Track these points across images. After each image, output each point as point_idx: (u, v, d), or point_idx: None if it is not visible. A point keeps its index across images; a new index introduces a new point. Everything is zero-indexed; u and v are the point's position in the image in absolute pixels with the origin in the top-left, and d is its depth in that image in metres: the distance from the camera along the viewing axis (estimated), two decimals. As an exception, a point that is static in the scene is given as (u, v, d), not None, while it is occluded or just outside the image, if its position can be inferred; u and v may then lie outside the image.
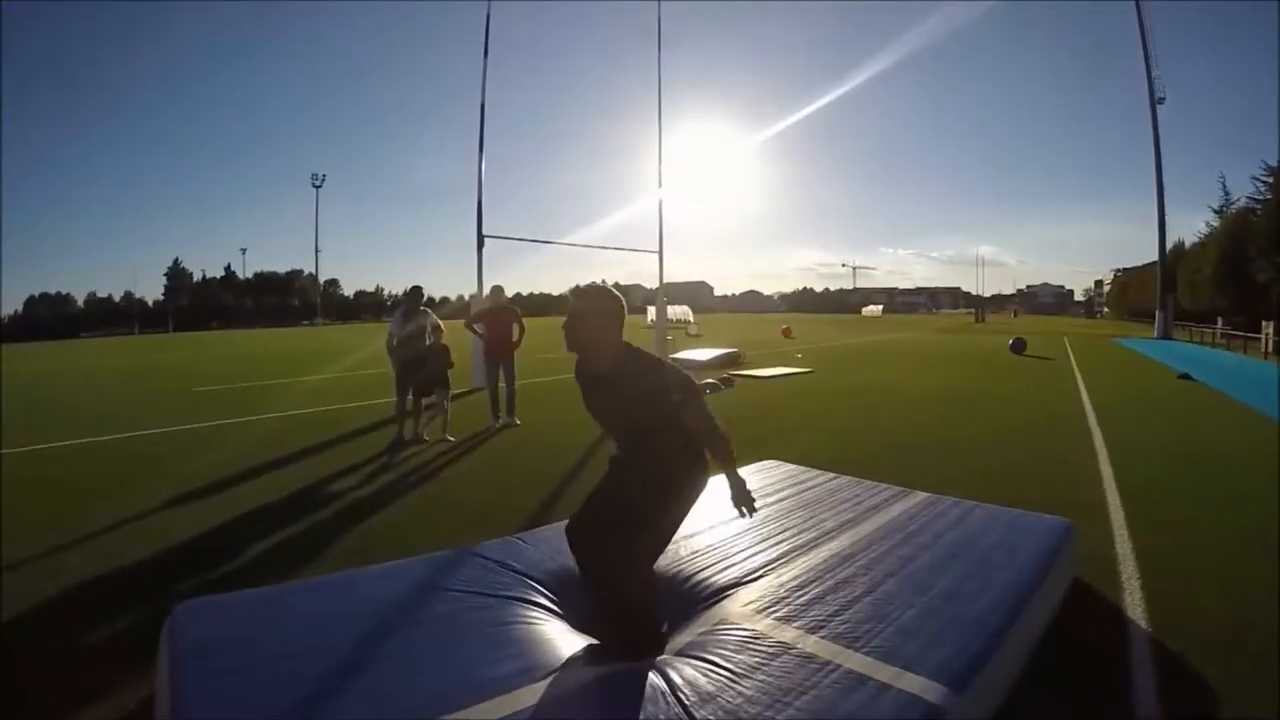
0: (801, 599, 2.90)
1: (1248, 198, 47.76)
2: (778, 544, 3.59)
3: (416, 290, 9.05)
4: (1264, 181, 45.63)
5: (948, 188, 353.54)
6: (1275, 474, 7.08)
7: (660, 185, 20.83)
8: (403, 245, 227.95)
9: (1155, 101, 43.92)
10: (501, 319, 9.82)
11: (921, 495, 4.63)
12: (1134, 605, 3.98)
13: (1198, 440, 9.09)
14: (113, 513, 5.78)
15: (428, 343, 8.69)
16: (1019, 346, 25.01)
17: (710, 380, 13.67)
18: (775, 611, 2.79)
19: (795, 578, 3.13)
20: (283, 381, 17.30)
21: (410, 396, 8.64)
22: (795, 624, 2.68)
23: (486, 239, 16.05)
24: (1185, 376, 16.95)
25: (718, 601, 2.93)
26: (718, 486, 4.76)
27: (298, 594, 3.00)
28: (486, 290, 11.46)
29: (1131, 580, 4.35)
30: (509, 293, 10.10)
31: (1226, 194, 53.13)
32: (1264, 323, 28.40)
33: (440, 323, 8.96)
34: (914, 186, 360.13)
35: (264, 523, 5.55)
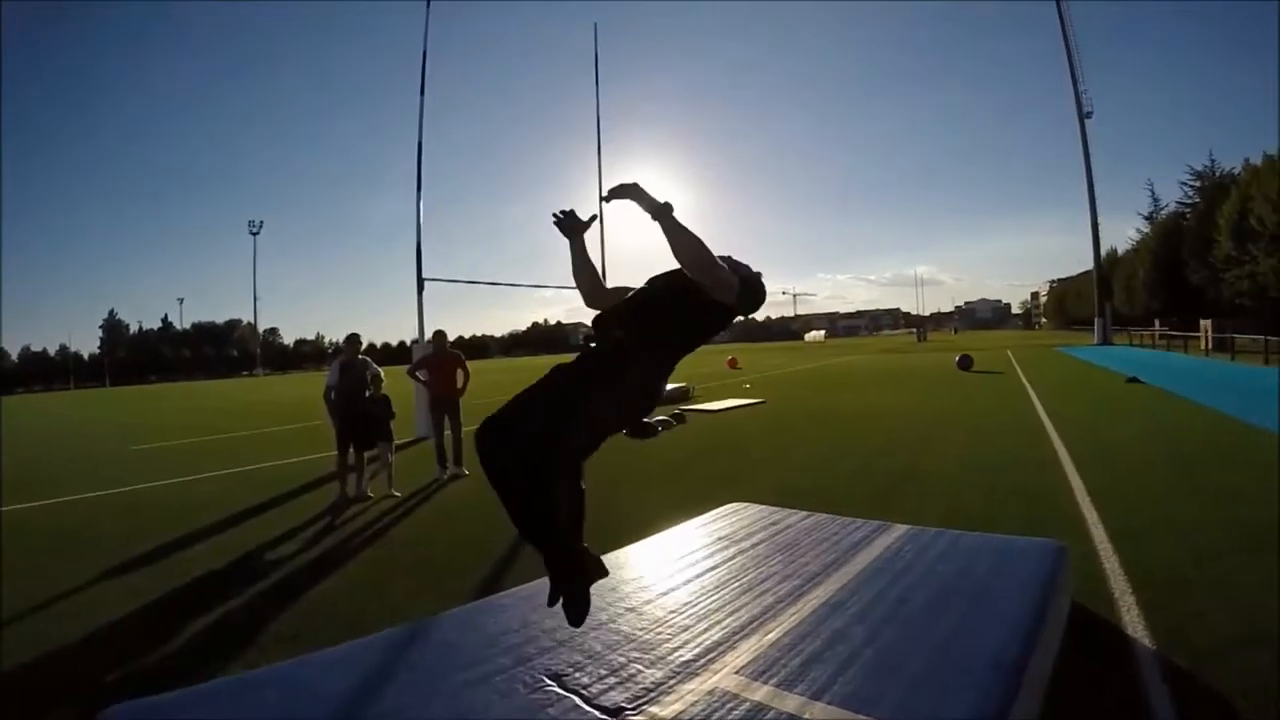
0: (797, 659, 2.69)
1: (1177, 203, 50.22)
2: (760, 595, 3.38)
3: (354, 339, 8.83)
4: (1191, 186, 47.99)
5: (882, 211, 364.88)
6: (1246, 469, 7.20)
7: (600, 219, 20.98)
8: (344, 290, 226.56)
9: (1083, 116, 45.94)
10: (445, 365, 9.74)
11: (902, 528, 4.48)
12: (1134, 623, 3.90)
13: (1160, 442, 9.24)
14: (40, 589, 5.38)
15: (368, 394, 8.45)
16: (966, 363, 25.52)
17: (661, 418, 13.49)
18: (772, 676, 2.57)
19: (786, 633, 2.93)
20: (222, 437, 16.97)
21: (352, 451, 8.34)
22: (797, 689, 2.46)
23: (427, 281, 15.87)
24: (1134, 380, 17.39)
25: (705, 667, 2.70)
26: (687, 536, 4.62)
27: (239, 690, 2.70)
28: (429, 335, 11.25)
29: (1125, 596, 4.28)
30: (450, 336, 9.92)
31: (1155, 200, 55.90)
32: (1202, 321, 29.49)
33: (380, 372, 8.75)
34: (849, 211, 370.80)
35: (201, 597, 5.20)
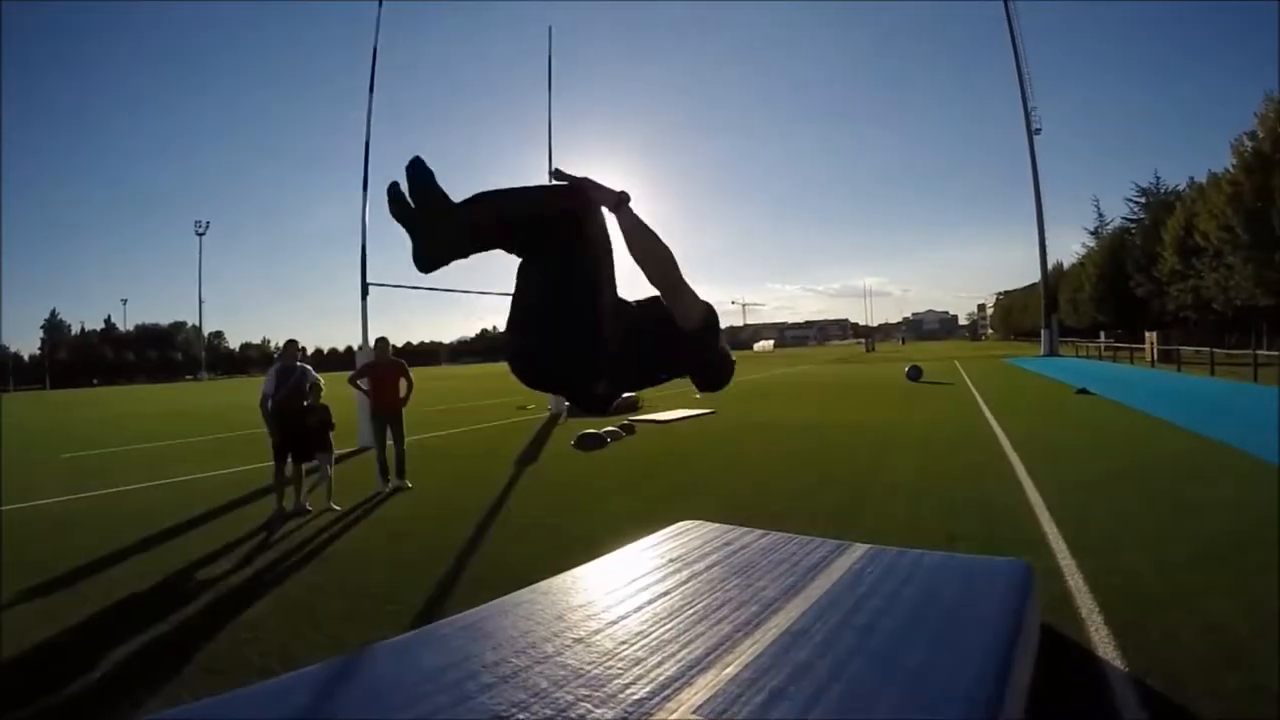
0: (759, 696, 2.52)
1: (1122, 218, 52.06)
2: (716, 624, 3.20)
3: (292, 344, 8.64)
4: (1137, 202, 49.79)
5: (832, 223, 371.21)
6: (1200, 479, 7.32)
7: None
8: (291, 294, 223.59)
9: (1032, 133, 47.27)
10: (387, 374, 9.57)
11: (863, 547, 4.35)
12: (1103, 643, 3.86)
13: (1116, 454, 9.37)
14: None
15: (306, 402, 8.26)
16: (916, 374, 25.83)
17: (610, 428, 13.30)
18: (733, 717, 2.39)
19: (745, 667, 2.75)
20: (159, 445, 16.57)
21: (290, 462, 8.11)
22: (761, 732, 2.30)
23: (371, 287, 15.70)
24: (1083, 391, 17.70)
25: (659, 706, 2.51)
26: (637, 557, 4.44)
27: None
28: (373, 342, 11.02)
29: (1094, 615, 4.24)
30: (399, 342, 9.76)
31: (1101, 216, 58.02)
32: (1147, 333, 30.39)
33: (320, 379, 8.54)
34: (799, 223, 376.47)
35: (123, 622, 4.92)
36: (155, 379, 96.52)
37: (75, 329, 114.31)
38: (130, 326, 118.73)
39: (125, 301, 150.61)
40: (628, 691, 2.62)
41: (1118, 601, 4.38)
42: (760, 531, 4.86)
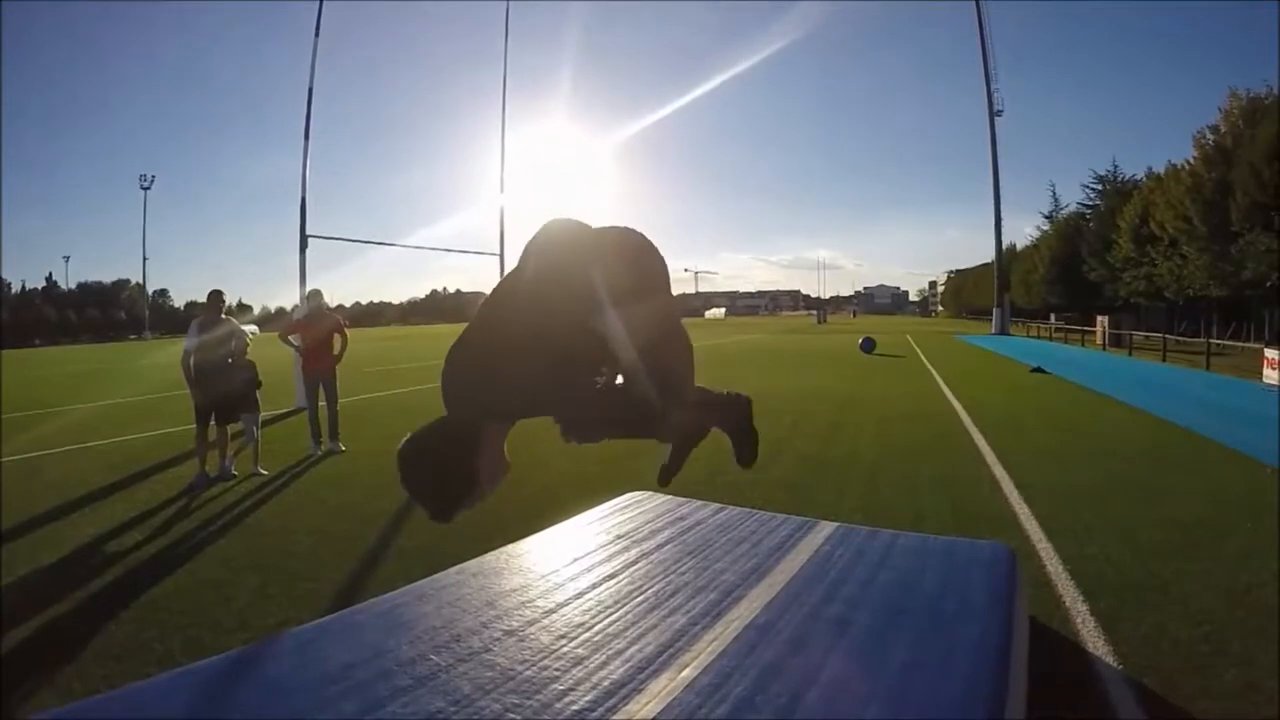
0: (722, 706, 2.13)
1: (1078, 204, 53.29)
2: (670, 615, 2.81)
3: (216, 296, 8.02)
4: (1093, 189, 50.94)
5: (787, 194, 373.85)
6: (1175, 464, 7.34)
7: (503, 191, 20.81)
8: (239, 251, 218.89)
9: (994, 114, 47.75)
10: (321, 330, 9.06)
11: (830, 526, 4.01)
12: (1092, 637, 3.62)
13: (1080, 435, 9.33)
14: None
15: (230, 360, 7.74)
16: (869, 346, 25.90)
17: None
18: (694, 733, 2.01)
19: (705, 669, 2.36)
20: (88, 406, 15.93)
21: (213, 424, 7.62)
22: (727, 753, 1.92)
23: (311, 240, 15.32)
24: (1038, 370, 17.80)
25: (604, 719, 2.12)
26: (580, 533, 4.04)
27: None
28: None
29: (1078, 604, 4.03)
30: (347, 301, 9.27)
31: (1056, 200, 59.22)
32: (1099, 317, 30.95)
33: (247, 335, 8.02)
34: (754, 193, 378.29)
35: (22, 601, 4.53)
36: (98, 339, 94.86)
37: (16, 287, 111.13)
38: (73, 285, 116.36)
39: (68, 259, 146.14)
40: (566, 700, 2.20)
41: (1101, 590, 4.17)
42: (716, 505, 4.49)
